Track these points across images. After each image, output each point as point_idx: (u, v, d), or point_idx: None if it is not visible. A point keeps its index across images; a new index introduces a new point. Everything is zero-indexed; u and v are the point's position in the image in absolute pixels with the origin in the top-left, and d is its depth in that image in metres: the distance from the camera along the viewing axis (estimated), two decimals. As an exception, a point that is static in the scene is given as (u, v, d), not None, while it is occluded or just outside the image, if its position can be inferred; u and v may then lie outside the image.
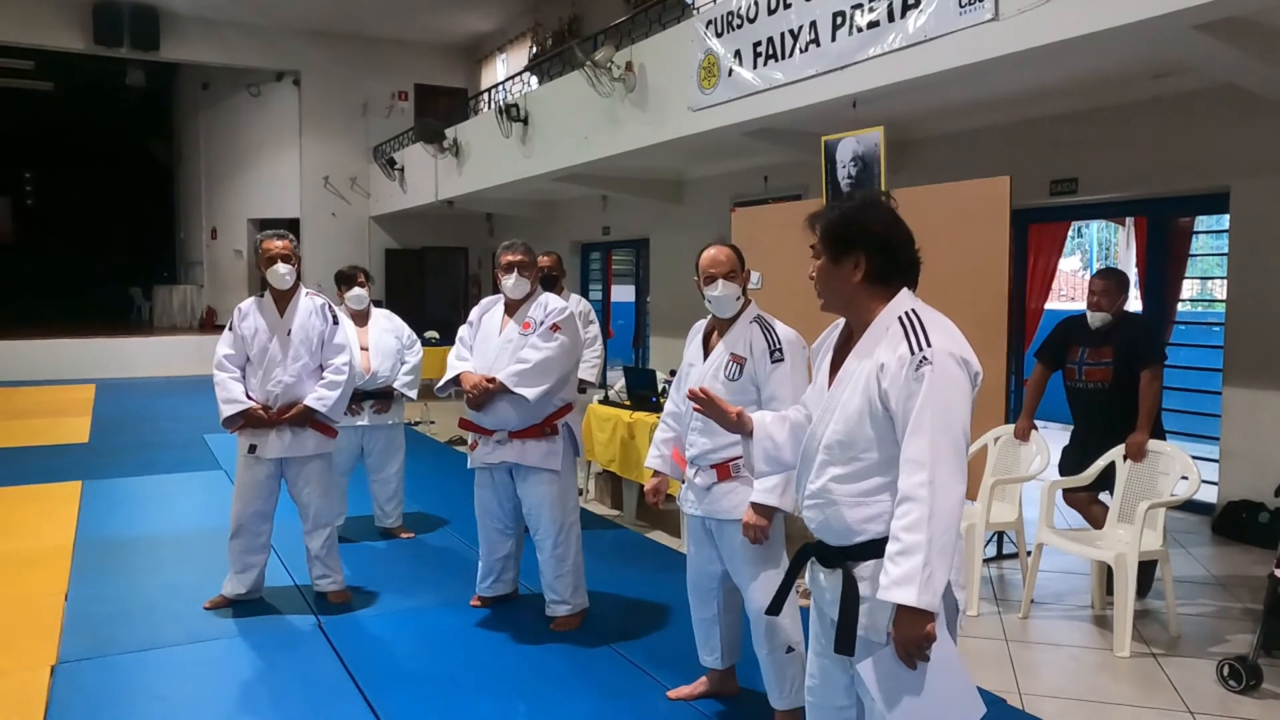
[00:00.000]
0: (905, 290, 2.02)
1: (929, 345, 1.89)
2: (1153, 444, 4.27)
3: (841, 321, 2.15)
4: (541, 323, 4.02)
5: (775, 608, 2.39)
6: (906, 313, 1.96)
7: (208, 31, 15.21)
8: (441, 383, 4.25)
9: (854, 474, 1.98)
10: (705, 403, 2.25)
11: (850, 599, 1.97)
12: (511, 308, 4.14)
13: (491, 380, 3.97)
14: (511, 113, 10.38)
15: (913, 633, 1.85)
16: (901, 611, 1.85)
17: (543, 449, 4.03)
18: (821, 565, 2.11)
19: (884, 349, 1.93)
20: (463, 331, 4.27)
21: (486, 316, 4.21)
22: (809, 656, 2.25)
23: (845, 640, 1.97)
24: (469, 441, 4.21)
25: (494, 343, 4.09)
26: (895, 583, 1.84)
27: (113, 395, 12.30)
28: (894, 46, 5.41)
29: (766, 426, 2.23)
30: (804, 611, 3.22)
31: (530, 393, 3.92)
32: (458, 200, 13.23)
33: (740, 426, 2.25)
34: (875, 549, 1.95)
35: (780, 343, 3.11)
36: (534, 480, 4.06)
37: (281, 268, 4.22)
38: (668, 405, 3.49)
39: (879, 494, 1.96)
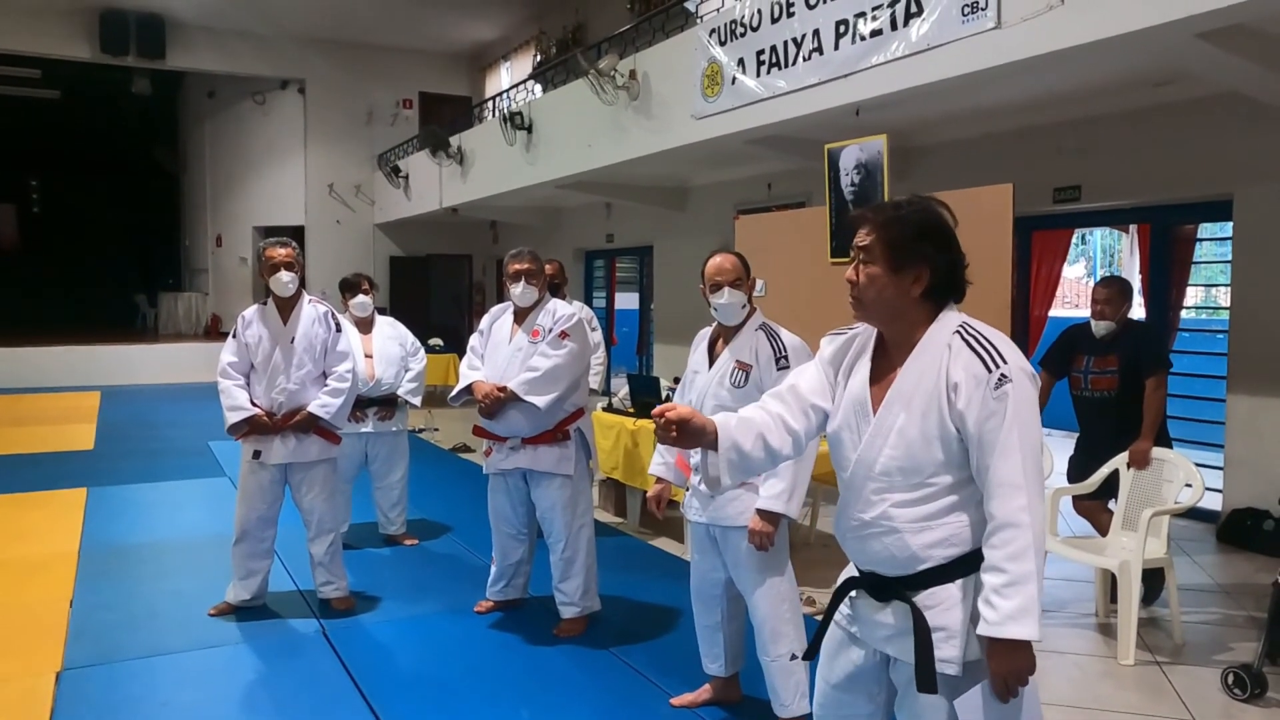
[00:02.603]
0: (951, 305, 1.90)
1: (1005, 362, 1.79)
2: (1156, 451, 4.27)
3: (861, 330, 2.02)
4: (550, 330, 4.05)
5: (810, 653, 2.18)
6: (963, 327, 1.85)
7: (213, 40, 15.29)
8: (454, 392, 4.30)
9: (919, 499, 1.85)
10: (678, 424, 1.95)
11: (924, 634, 1.83)
12: (520, 315, 4.17)
13: (502, 389, 4.00)
14: (515, 120, 10.41)
15: (1023, 665, 1.76)
16: (1008, 645, 1.74)
17: (555, 454, 4.06)
18: (873, 598, 1.95)
19: (953, 367, 1.81)
20: (474, 340, 4.30)
21: (496, 325, 4.24)
22: (819, 685, 2.13)
23: (927, 678, 1.82)
24: (484, 448, 4.23)
25: (504, 351, 4.12)
26: (1010, 618, 1.72)
27: (118, 402, 12.32)
28: (897, 55, 5.43)
29: (732, 435, 1.98)
30: (807, 620, 3.22)
31: (541, 400, 3.95)
32: (462, 208, 13.26)
33: (694, 425, 1.98)
34: (937, 576, 1.85)
35: (786, 350, 3.12)
36: (547, 485, 4.08)
37: (284, 275, 4.23)
38: (671, 412, 3.49)
39: (946, 516, 1.84)
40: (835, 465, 2.01)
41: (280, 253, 4.25)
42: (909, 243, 1.86)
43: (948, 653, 1.83)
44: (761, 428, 2.01)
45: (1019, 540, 1.74)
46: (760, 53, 6.57)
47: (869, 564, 1.96)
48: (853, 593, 2.02)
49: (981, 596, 1.78)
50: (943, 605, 1.84)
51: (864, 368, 1.96)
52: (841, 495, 1.99)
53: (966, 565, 1.84)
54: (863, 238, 1.91)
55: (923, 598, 1.86)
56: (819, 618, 2.13)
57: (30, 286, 20.38)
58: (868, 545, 1.93)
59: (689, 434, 1.97)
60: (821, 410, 2.04)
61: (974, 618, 1.80)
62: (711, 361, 3.25)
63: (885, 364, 1.94)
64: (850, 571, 2.04)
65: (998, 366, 1.79)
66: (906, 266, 1.86)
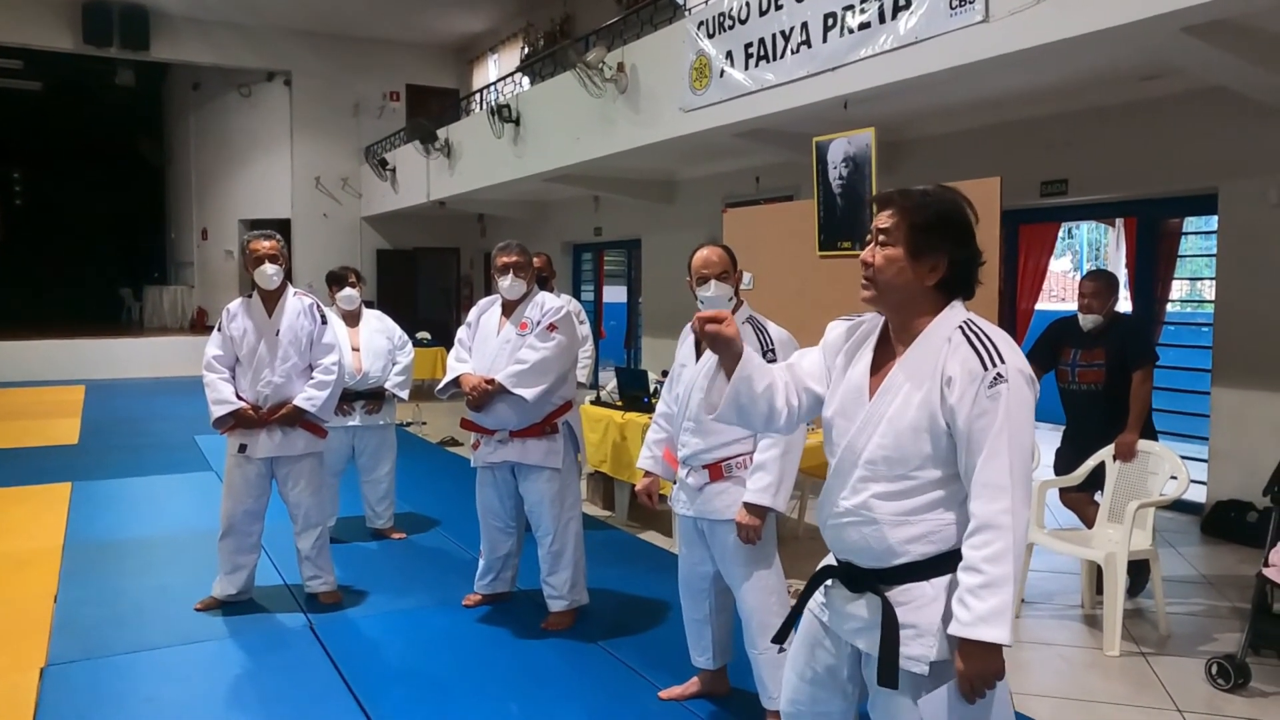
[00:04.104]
0: (959, 302, 1.89)
1: (1002, 361, 1.76)
2: (1142, 444, 4.29)
3: (869, 318, 2.00)
4: (538, 323, 4.04)
5: (781, 636, 2.20)
6: (966, 323, 1.83)
7: (198, 31, 15.17)
8: (441, 384, 4.28)
9: (902, 491, 1.83)
10: (715, 327, 1.94)
11: (892, 629, 1.82)
12: (508, 308, 4.16)
13: (490, 381, 3.99)
14: (503, 113, 10.37)
15: (992, 668, 1.74)
16: (978, 646, 1.72)
17: (543, 447, 4.06)
18: (847, 589, 1.94)
19: (950, 362, 1.79)
20: (461, 333, 4.29)
21: (485, 317, 4.23)
22: (790, 680, 2.10)
23: (889, 673, 1.81)
24: (472, 441, 4.22)
25: (492, 343, 4.11)
26: (982, 619, 1.70)
27: (102, 396, 12.24)
28: (885, 48, 5.43)
29: (750, 370, 1.96)
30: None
31: (529, 393, 3.94)
32: (450, 201, 13.21)
33: (733, 348, 1.96)
34: (912, 572, 1.83)
35: (773, 343, 3.12)
36: (535, 478, 4.08)
37: (269, 268, 4.20)
38: (660, 406, 3.49)
39: (926, 512, 1.82)
40: (826, 451, 2.00)
41: (264, 245, 4.22)
42: (932, 229, 1.84)
43: (916, 651, 1.81)
44: (774, 384, 2.01)
45: (999, 542, 1.72)
46: (748, 46, 6.56)
47: (845, 553, 1.95)
48: (828, 581, 2.00)
49: (956, 595, 1.76)
50: (915, 603, 1.83)
51: (866, 356, 1.95)
52: (827, 481, 1.97)
53: (944, 564, 1.82)
54: (885, 219, 1.88)
55: (896, 593, 1.84)
56: (807, 609, 2.12)
57: (13, 280, 20.19)
58: (845, 534, 1.91)
59: (722, 343, 1.96)
60: (814, 394, 2.03)
61: (946, 618, 1.79)
62: (699, 355, 3.24)
63: (887, 353, 1.92)
64: (829, 560, 2.03)
65: (994, 365, 1.76)
66: (926, 253, 1.84)
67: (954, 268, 1.86)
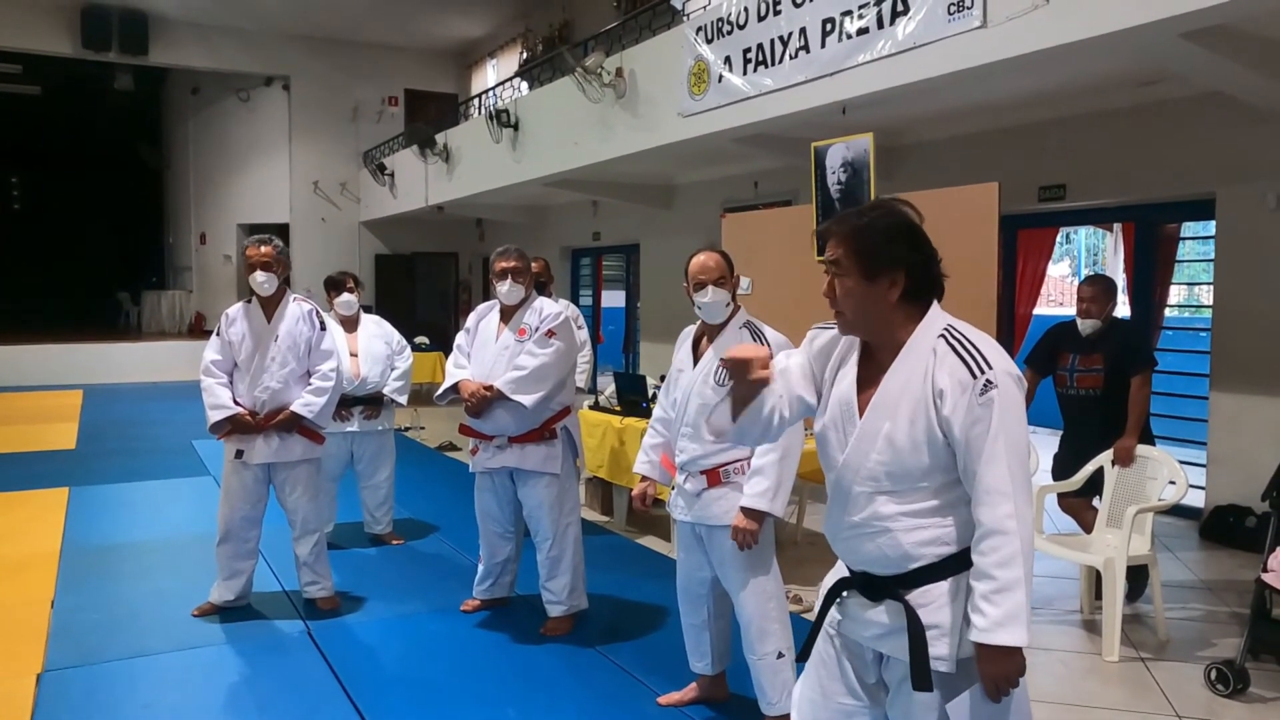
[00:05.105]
0: (935, 305, 1.88)
1: (990, 367, 1.78)
2: (1140, 449, 4.30)
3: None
4: (537, 328, 4.04)
5: (806, 653, 2.14)
6: (947, 329, 1.84)
7: (197, 36, 15.18)
8: (440, 390, 4.29)
9: (907, 500, 1.86)
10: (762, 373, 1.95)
11: (919, 634, 1.84)
12: (507, 314, 4.16)
13: (489, 388, 3.98)
14: (502, 118, 10.38)
15: (1011, 669, 1.78)
16: (997, 650, 1.76)
17: (542, 453, 4.06)
18: (866, 598, 1.94)
19: (938, 373, 1.80)
20: (460, 339, 4.29)
21: (483, 323, 4.23)
22: (813, 699, 2.07)
23: (922, 676, 1.83)
24: (470, 447, 4.22)
25: (491, 349, 4.11)
26: (998, 624, 1.74)
27: (100, 401, 12.23)
28: (883, 53, 5.44)
29: (761, 398, 1.97)
30: (794, 618, 3.22)
31: (527, 399, 3.94)
32: (448, 205, 13.21)
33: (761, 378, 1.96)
34: (930, 573, 1.86)
35: (770, 348, 3.11)
36: (534, 483, 4.07)
37: (260, 275, 4.18)
38: (657, 411, 3.49)
39: (935, 516, 1.85)
40: (822, 464, 2.00)
41: (259, 251, 4.20)
42: (879, 249, 1.84)
43: (940, 650, 1.84)
44: (776, 404, 2.00)
45: (1006, 547, 1.75)
46: (747, 51, 6.57)
47: (861, 564, 1.95)
48: (844, 593, 2.00)
49: (971, 603, 1.79)
50: (935, 603, 1.85)
51: (851, 369, 1.95)
52: (830, 497, 1.98)
53: (957, 563, 1.84)
54: (832, 251, 1.88)
55: (915, 596, 1.86)
56: (805, 615, 2.12)
57: (11, 284, 20.20)
58: (860, 546, 1.92)
59: (754, 385, 1.95)
60: (805, 403, 2.03)
61: (966, 616, 1.81)
62: (696, 360, 3.24)
63: (872, 366, 1.92)
64: (840, 572, 2.03)
65: (983, 372, 1.78)
66: (881, 273, 1.84)
67: (913, 276, 1.85)
